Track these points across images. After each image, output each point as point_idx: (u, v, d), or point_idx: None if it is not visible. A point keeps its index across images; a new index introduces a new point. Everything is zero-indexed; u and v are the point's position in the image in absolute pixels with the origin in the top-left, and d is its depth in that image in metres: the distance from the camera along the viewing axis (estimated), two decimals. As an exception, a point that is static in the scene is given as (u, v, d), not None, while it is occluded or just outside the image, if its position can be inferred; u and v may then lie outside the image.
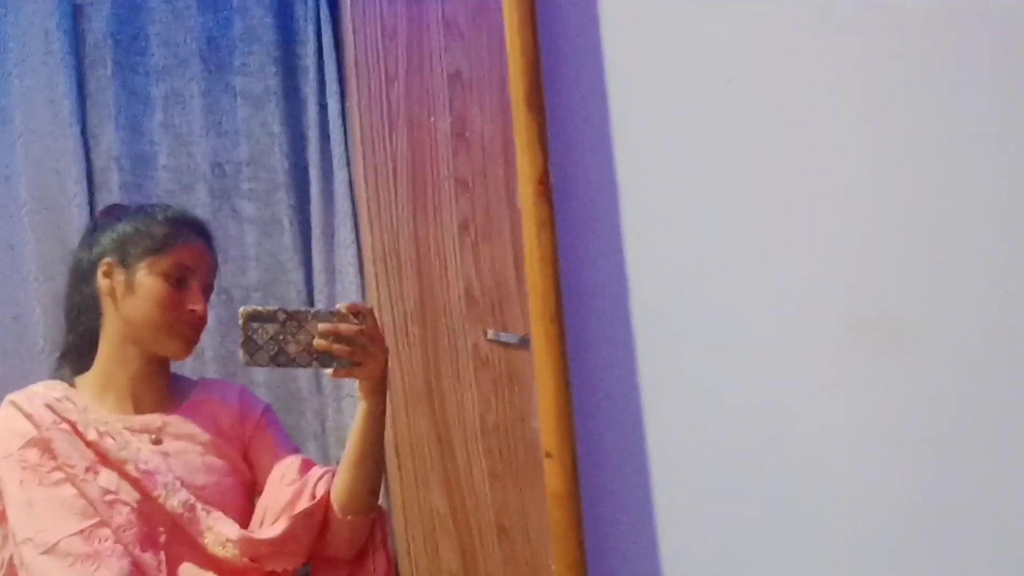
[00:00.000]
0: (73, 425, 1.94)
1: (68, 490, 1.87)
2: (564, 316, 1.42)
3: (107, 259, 2.02)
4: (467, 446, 2.54)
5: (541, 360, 1.15)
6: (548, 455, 1.16)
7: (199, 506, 1.91)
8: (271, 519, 1.99)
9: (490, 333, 2.53)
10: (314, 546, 2.00)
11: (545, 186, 1.42)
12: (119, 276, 2.00)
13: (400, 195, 2.55)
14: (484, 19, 2.61)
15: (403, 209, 2.55)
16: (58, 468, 1.90)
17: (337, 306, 1.86)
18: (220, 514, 1.94)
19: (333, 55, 2.78)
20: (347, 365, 1.84)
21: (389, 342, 2.65)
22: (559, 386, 1.18)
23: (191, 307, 1.99)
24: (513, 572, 2.53)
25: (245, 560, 1.94)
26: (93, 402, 1.99)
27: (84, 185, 2.81)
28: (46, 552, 1.82)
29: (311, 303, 2.75)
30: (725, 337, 1.98)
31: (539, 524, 2.55)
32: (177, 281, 2.01)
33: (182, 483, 1.93)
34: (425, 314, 2.55)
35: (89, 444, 1.92)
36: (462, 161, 2.54)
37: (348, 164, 2.77)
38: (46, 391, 2.00)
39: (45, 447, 1.92)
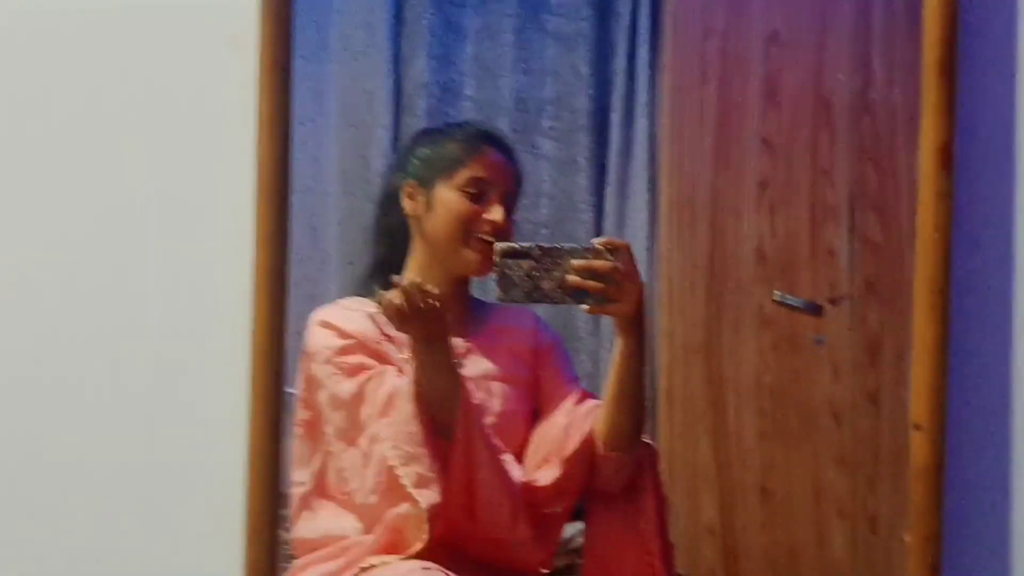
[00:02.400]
0: (391, 339, 1.97)
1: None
2: (950, 289, 1.36)
3: (409, 181, 2.04)
4: (739, 404, 2.56)
5: (921, 330, 1.10)
6: (917, 427, 1.12)
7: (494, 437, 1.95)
8: (541, 458, 1.99)
9: (777, 294, 2.53)
10: (586, 482, 2.02)
11: (947, 156, 1.35)
12: (420, 197, 2.02)
13: (703, 148, 2.56)
14: (806, -20, 2.60)
15: (704, 162, 2.56)
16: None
17: (592, 241, 1.84)
18: (510, 456, 1.96)
19: (649, 3, 2.80)
20: (601, 301, 1.83)
21: (675, 293, 2.69)
22: (936, 359, 1.12)
23: (488, 218, 2.00)
24: (771, 535, 2.54)
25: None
26: None
27: (392, 108, 2.90)
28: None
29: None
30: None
31: (803, 489, 2.55)
32: (474, 195, 1.99)
33: (483, 409, 1.96)
34: (713, 268, 2.56)
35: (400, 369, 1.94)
36: (770, 121, 2.54)
37: (650, 113, 2.79)
38: (360, 305, 2.03)
39: (369, 351, 1.95)
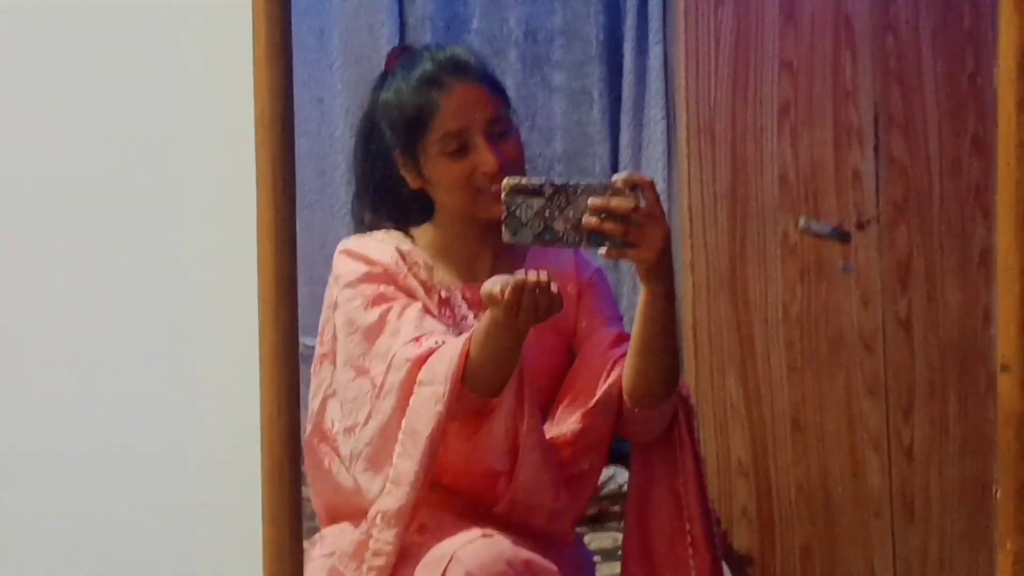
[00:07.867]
0: (422, 282, 1.87)
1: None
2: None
3: (396, 150, 1.82)
4: (767, 336, 2.48)
5: (1006, 253, 0.95)
6: (1004, 368, 0.98)
7: None
8: (568, 403, 1.88)
9: (802, 222, 2.45)
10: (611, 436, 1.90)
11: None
12: (411, 169, 1.81)
13: (721, 72, 2.47)
14: None
15: (723, 87, 2.47)
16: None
17: (612, 178, 1.63)
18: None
19: (659, -73, 2.71)
20: (620, 245, 1.61)
21: (696, 223, 2.61)
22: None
23: (483, 170, 1.76)
24: (803, 469, 2.47)
25: None
26: (434, 262, 1.84)
27: (396, 43, 2.81)
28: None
29: (615, 178, 2.71)
30: None
31: (835, 422, 2.49)
32: (457, 151, 1.78)
33: None
34: (736, 196, 2.48)
35: (427, 309, 1.85)
36: (789, 43, 2.45)
37: (664, 39, 2.70)
38: (391, 239, 1.92)
39: (394, 282, 1.85)
